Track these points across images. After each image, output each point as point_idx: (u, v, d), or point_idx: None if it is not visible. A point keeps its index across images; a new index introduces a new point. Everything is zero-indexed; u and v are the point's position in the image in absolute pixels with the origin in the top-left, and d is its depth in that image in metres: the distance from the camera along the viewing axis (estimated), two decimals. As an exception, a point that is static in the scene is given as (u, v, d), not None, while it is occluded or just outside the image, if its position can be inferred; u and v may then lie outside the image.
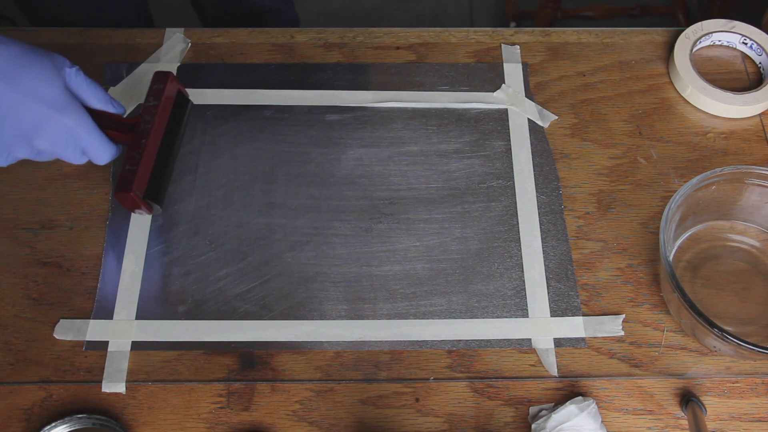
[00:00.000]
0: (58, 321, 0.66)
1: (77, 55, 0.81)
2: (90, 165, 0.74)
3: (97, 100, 0.63)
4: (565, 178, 0.74)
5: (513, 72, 0.81)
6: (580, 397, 0.62)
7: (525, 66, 0.81)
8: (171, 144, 0.68)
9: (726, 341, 0.59)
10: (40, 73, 0.58)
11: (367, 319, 0.67)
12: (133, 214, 0.71)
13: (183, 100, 0.71)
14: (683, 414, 0.63)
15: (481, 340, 0.66)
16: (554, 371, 0.65)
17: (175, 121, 0.69)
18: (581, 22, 1.70)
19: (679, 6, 1.68)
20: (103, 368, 0.64)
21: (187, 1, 1.22)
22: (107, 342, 0.65)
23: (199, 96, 0.78)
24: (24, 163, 0.74)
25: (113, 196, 0.72)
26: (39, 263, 0.69)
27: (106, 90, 0.78)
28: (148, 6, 1.07)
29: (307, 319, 0.67)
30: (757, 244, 0.71)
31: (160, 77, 0.68)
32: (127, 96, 0.78)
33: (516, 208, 0.73)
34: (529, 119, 0.78)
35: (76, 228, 0.71)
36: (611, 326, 0.67)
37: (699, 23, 0.83)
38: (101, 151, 0.63)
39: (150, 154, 0.66)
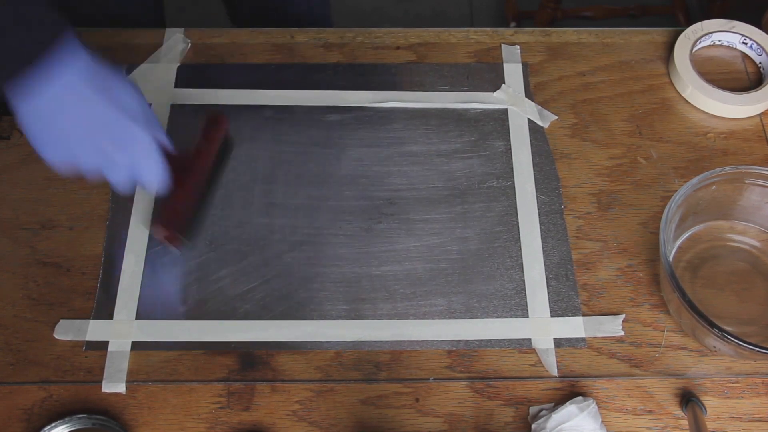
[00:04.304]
0: (58, 321, 0.66)
1: (77, 55, 0.81)
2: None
3: (159, 129, 0.61)
4: (565, 178, 0.74)
5: (513, 72, 0.81)
6: (580, 397, 0.62)
7: (525, 66, 0.81)
8: (211, 184, 0.68)
9: (726, 341, 0.59)
10: (126, 88, 0.58)
11: (367, 319, 0.67)
12: (132, 214, 0.71)
13: (229, 142, 0.70)
14: (683, 414, 0.63)
15: (481, 340, 0.66)
16: (554, 371, 0.65)
17: (219, 162, 0.68)
18: (581, 22, 1.70)
19: (679, 6, 1.68)
20: (103, 368, 0.64)
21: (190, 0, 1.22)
22: (107, 342, 0.65)
23: (200, 96, 0.78)
24: (24, 163, 0.74)
25: (113, 197, 0.72)
26: (39, 263, 0.69)
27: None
28: (163, 10, 1.07)
29: (307, 319, 0.67)
30: (757, 244, 0.71)
31: (214, 120, 0.67)
32: (127, 96, 0.78)
33: (516, 208, 0.73)
34: (529, 119, 0.78)
35: (76, 228, 0.71)
36: (611, 326, 0.67)
37: (699, 23, 0.83)
38: (158, 177, 0.61)
39: (194, 192, 0.65)
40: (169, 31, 0.83)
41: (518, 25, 1.73)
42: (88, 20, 0.86)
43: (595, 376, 0.65)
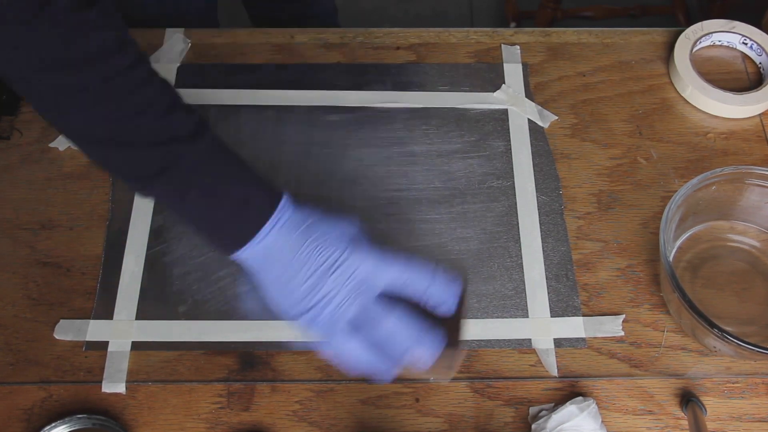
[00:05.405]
0: (58, 321, 0.66)
1: (77, 55, 0.81)
2: (90, 164, 0.74)
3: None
4: (565, 178, 0.74)
5: (513, 72, 0.81)
6: (580, 398, 0.62)
7: (525, 66, 0.81)
8: None
9: (726, 341, 0.59)
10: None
11: (367, 319, 0.67)
12: (132, 214, 0.71)
13: None
14: (683, 414, 0.63)
15: (481, 340, 0.66)
16: (554, 371, 0.65)
17: None
18: (581, 23, 1.70)
19: (679, 6, 1.68)
20: (103, 368, 0.64)
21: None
22: (107, 342, 0.65)
23: (200, 96, 0.78)
24: (24, 163, 0.74)
25: (113, 197, 0.72)
26: (39, 263, 0.69)
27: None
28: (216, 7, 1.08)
29: (307, 319, 0.67)
30: (757, 244, 0.71)
31: None
32: (127, 96, 0.78)
33: (516, 208, 0.73)
34: (529, 119, 0.78)
35: (76, 228, 0.71)
36: (611, 326, 0.67)
37: (699, 23, 0.83)
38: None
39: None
40: (169, 31, 0.82)
41: (518, 25, 1.73)
42: (152, 19, 0.87)
43: (595, 377, 0.65)
